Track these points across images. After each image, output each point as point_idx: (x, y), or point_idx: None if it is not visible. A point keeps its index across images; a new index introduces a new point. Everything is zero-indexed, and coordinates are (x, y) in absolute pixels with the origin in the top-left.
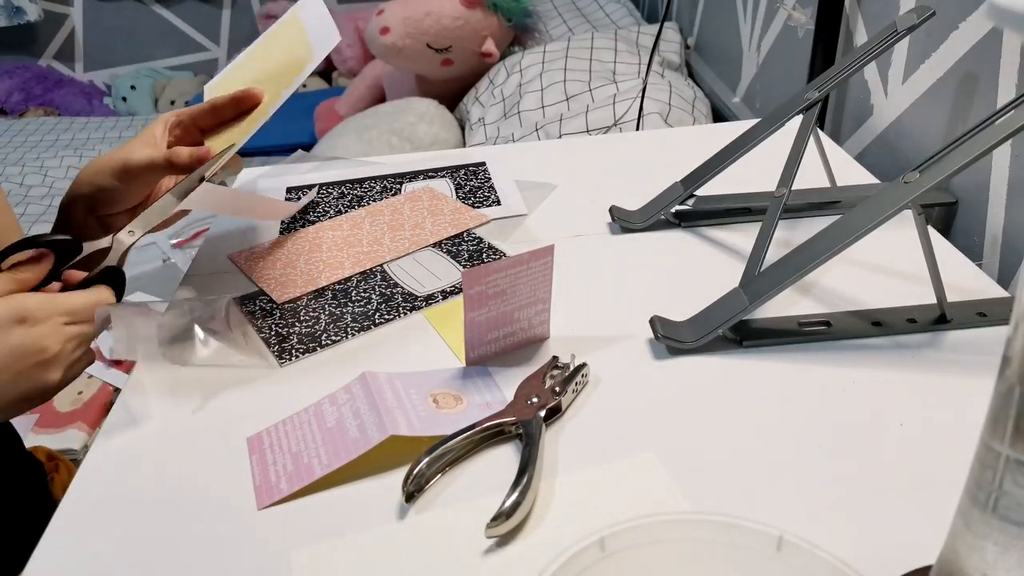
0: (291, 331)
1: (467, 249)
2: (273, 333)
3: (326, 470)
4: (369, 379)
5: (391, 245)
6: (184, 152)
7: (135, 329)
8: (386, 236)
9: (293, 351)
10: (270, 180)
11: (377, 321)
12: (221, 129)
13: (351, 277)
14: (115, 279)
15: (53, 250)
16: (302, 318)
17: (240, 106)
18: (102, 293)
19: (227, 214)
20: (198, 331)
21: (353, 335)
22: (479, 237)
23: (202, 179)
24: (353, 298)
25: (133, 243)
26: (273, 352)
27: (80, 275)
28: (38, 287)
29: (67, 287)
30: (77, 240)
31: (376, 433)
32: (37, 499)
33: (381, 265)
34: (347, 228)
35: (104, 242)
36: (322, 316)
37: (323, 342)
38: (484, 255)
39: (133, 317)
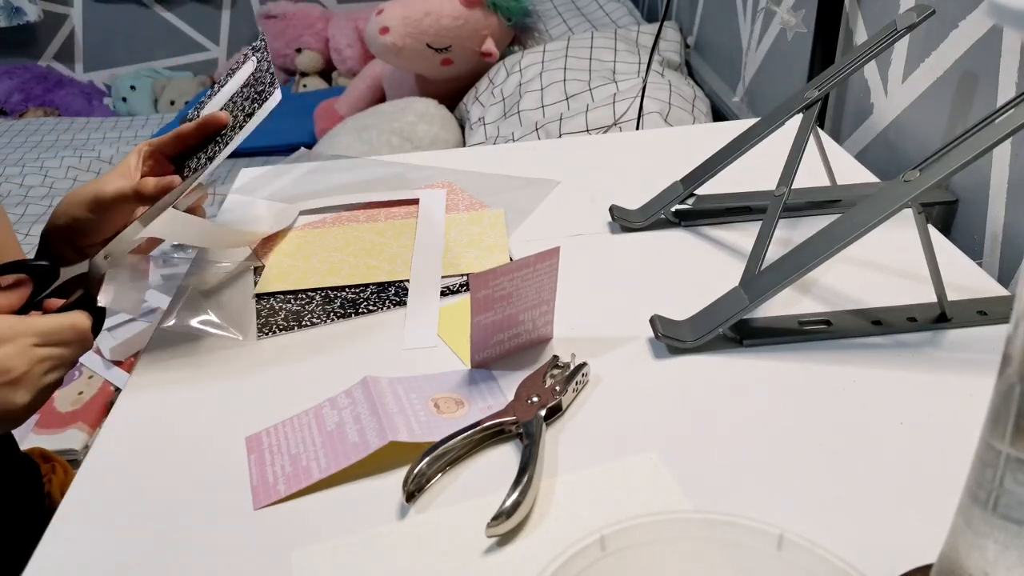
0: (283, 306)
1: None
2: (267, 306)
3: (324, 473)
4: (371, 383)
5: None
6: (150, 182)
7: (124, 283)
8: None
9: (275, 327)
10: (269, 179)
11: (361, 310)
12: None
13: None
14: (92, 306)
15: (32, 276)
16: (298, 295)
17: (205, 131)
18: (76, 317)
19: (194, 243)
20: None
21: (334, 320)
22: None
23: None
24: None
25: (107, 268)
26: (258, 323)
27: (59, 303)
28: (20, 313)
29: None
30: (55, 266)
31: (376, 439)
32: (33, 501)
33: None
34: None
35: (81, 267)
36: (316, 296)
37: (303, 323)
38: None
39: (126, 276)
